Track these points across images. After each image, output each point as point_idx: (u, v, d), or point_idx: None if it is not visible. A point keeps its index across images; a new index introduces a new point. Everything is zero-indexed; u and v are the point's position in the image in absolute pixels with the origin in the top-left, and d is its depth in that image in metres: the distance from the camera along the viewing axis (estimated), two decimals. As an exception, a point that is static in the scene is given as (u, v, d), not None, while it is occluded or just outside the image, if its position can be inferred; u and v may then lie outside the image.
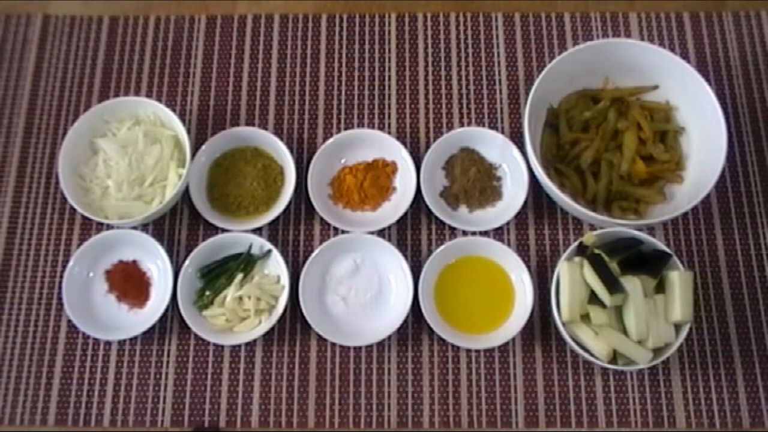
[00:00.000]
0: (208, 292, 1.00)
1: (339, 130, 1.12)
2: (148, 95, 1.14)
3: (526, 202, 1.04)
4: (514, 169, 1.07)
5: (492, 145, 1.08)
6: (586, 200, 1.04)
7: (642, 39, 1.16)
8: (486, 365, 1.00)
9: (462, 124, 1.12)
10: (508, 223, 1.05)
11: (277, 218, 1.05)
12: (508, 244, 1.04)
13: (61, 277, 1.02)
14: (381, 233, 1.04)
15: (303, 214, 1.08)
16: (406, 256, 1.01)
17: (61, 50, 1.18)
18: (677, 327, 0.94)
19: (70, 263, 1.02)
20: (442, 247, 1.01)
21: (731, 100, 1.13)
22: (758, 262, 1.05)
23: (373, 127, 1.12)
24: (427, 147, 1.08)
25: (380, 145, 1.08)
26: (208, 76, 1.16)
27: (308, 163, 1.07)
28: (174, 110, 1.05)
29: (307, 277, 1.01)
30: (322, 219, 1.05)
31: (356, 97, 1.14)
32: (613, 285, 0.92)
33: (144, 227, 1.07)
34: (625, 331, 0.94)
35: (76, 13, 1.20)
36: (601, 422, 0.98)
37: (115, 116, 1.07)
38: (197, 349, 1.02)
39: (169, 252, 1.03)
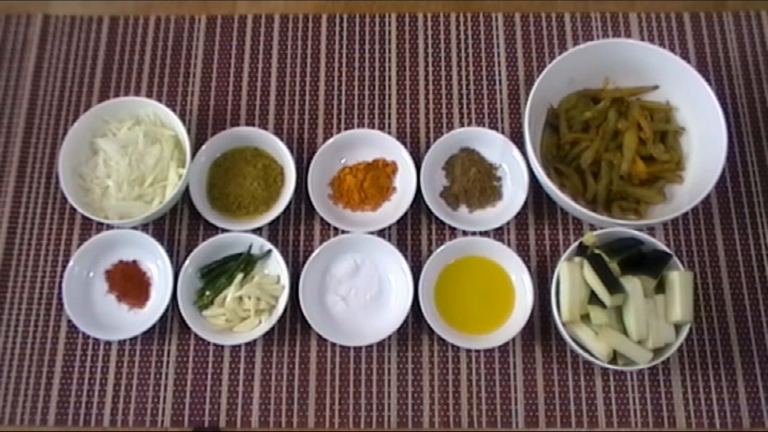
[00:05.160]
0: (208, 292, 1.00)
1: (339, 130, 1.12)
2: (148, 95, 1.14)
3: (526, 202, 1.04)
4: (514, 169, 1.07)
5: (492, 145, 1.08)
6: (586, 200, 1.04)
7: (642, 39, 1.16)
8: (486, 365, 1.00)
9: (462, 124, 1.12)
10: (508, 223, 1.05)
11: (277, 218, 1.05)
12: (508, 244, 1.04)
13: (61, 277, 1.02)
14: (381, 233, 1.04)
15: (303, 214, 1.08)
16: (406, 256, 1.01)
17: (61, 50, 1.18)
18: (677, 327, 0.94)
19: (70, 263, 1.02)
20: (442, 247, 1.01)
21: (731, 100, 1.13)
22: (758, 262, 1.05)
23: (373, 127, 1.12)
24: (427, 147, 1.08)
25: (380, 145, 1.08)
26: (208, 76, 1.16)
27: (308, 163, 1.07)
28: (174, 110, 1.05)
29: (307, 277, 1.01)
30: (322, 219, 1.05)
31: (356, 97, 1.14)
32: (613, 285, 0.92)
33: (144, 227, 1.07)
34: (625, 331, 0.94)
35: (76, 13, 1.20)
36: (601, 422, 0.98)
37: (115, 116, 1.07)
38: (197, 349, 1.02)
39: (169, 252, 1.03)
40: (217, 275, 1.01)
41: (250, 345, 1.02)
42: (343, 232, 1.04)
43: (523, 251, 1.05)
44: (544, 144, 1.07)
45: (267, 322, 0.99)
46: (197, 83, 1.15)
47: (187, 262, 1.01)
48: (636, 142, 1.04)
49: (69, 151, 1.04)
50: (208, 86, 1.15)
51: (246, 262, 1.02)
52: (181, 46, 1.18)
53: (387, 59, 1.16)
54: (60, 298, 1.01)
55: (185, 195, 1.06)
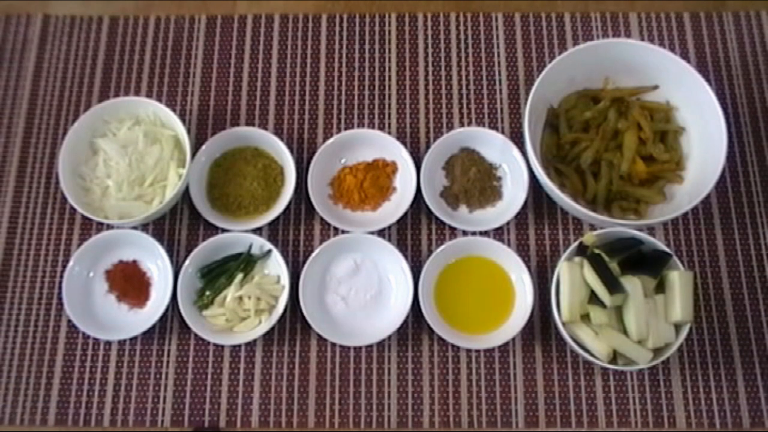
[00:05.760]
0: (208, 292, 1.00)
1: (339, 130, 1.12)
2: (148, 95, 1.14)
3: (526, 202, 1.04)
4: (514, 169, 1.07)
5: (492, 145, 1.08)
6: (586, 200, 1.04)
7: (642, 39, 1.16)
8: (486, 365, 1.00)
9: (462, 124, 1.12)
10: (508, 223, 1.05)
11: (277, 218, 1.05)
12: (508, 244, 1.04)
13: (61, 277, 1.02)
14: (381, 233, 1.04)
15: (303, 214, 1.08)
16: (406, 256, 1.01)
17: (61, 50, 1.18)
18: (677, 327, 0.94)
19: (70, 263, 1.02)
20: (442, 247, 1.01)
21: (731, 100, 1.13)
22: (758, 262, 1.05)
23: (373, 127, 1.12)
24: (427, 147, 1.08)
25: (380, 145, 1.08)
26: (208, 76, 1.16)
27: (308, 163, 1.07)
28: (174, 110, 1.05)
29: (307, 277, 1.01)
30: (322, 219, 1.05)
31: (356, 97, 1.14)
32: (613, 285, 0.92)
33: (144, 227, 1.07)
34: (625, 331, 0.94)
35: (76, 13, 1.20)
36: (601, 422, 0.98)
37: (115, 116, 1.07)
38: (197, 349, 1.02)
39: (169, 252, 1.03)
40: (217, 275, 1.01)
41: (250, 345, 1.02)
42: (343, 232, 1.04)
43: (523, 251, 1.05)
44: (544, 144, 1.07)
45: (267, 322, 0.99)
46: (197, 83, 1.15)
47: (187, 262, 1.01)
48: (636, 142, 1.04)
49: (69, 151, 1.04)
50: (208, 86, 1.15)
51: (246, 262, 1.02)
52: (181, 46, 1.18)
53: (387, 59, 1.16)
54: (60, 298, 1.01)
55: (185, 195, 1.06)
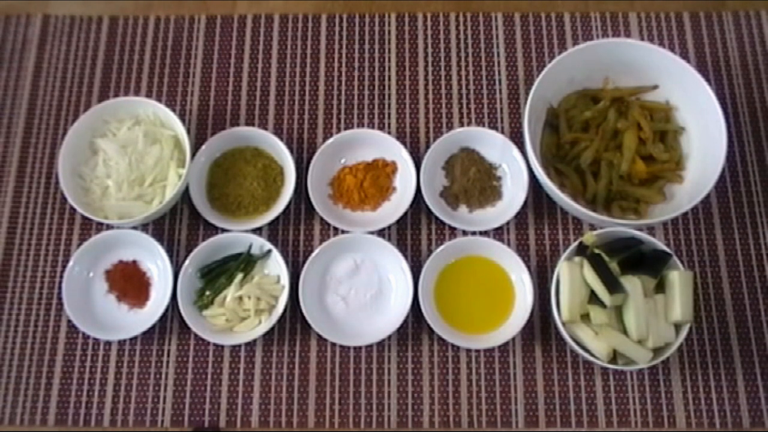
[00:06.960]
0: (208, 292, 1.00)
1: (339, 130, 1.12)
2: (148, 95, 1.14)
3: (526, 202, 1.04)
4: (514, 169, 1.07)
5: (492, 145, 1.08)
6: (586, 200, 1.04)
7: (642, 39, 1.16)
8: (486, 365, 1.00)
9: (462, 124, 1.12)
10: (508, 223, 1.05)
11: (277, 218, 1.05)
12: (508, 244, 1.04)
13: (61, 277, 1.02)
14: (381, 233, 1.04)
15: (303, 214, 1.08)
16: (406, 256, 1.01)
17: (61, 50, 1.18)
18: (677, 327, 0.94)
19: (70, 263, 1.02)
20: (442, 247, 1.01)
21: (731, 100, 1.13)
22: (758, 262, 1.05)
23: (373, 127, 1.12)
24: (427, 147, 1.08)
25: (380, 145, 1.08)
26: (208, 76, 1.16)
27: (308, 163, 1.07)
28: (174, 110, 1.05)
29: (307, 277, 1.01)
30: (322, 219, 1.05)
31: (356, 97, 1.14)
32: (613, 285, 0.92)
33: (144, 227, 1.07)
34: (625, 331, 0.94)
35: (76, 13, 1.20)
36: (601, 422, 0.98)
37: (115, 116, 1.07)
38: (197, 349, 1.02)
39: (169, 252, 1.03)
40: (217, 275, 1.01)
41: (250, 345, 1.02)
42: (343, 232, 1.04)
43: (523, 251, 1.05)
44: (543, 144, 1.07)
45: (267, 322, 0.99)
46: (197, 83, 1.16)
47: (187, 262, 1.01)
48: (636, 142, 1.04)
49: (69, 151, 1.04)
50: (208, 86, 1.15)
51: (246, 262, 1.02)
52: (181, 46, 1.18)
53: (387, 59, 1.16)
54: (60, 298, 1.01)
55: (185, 195, 1.06)
